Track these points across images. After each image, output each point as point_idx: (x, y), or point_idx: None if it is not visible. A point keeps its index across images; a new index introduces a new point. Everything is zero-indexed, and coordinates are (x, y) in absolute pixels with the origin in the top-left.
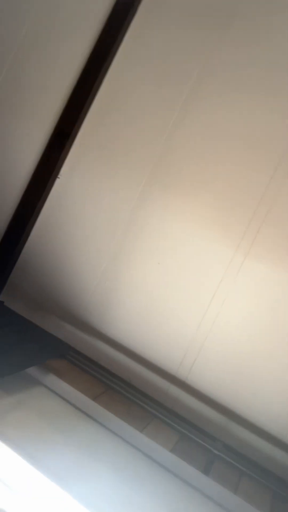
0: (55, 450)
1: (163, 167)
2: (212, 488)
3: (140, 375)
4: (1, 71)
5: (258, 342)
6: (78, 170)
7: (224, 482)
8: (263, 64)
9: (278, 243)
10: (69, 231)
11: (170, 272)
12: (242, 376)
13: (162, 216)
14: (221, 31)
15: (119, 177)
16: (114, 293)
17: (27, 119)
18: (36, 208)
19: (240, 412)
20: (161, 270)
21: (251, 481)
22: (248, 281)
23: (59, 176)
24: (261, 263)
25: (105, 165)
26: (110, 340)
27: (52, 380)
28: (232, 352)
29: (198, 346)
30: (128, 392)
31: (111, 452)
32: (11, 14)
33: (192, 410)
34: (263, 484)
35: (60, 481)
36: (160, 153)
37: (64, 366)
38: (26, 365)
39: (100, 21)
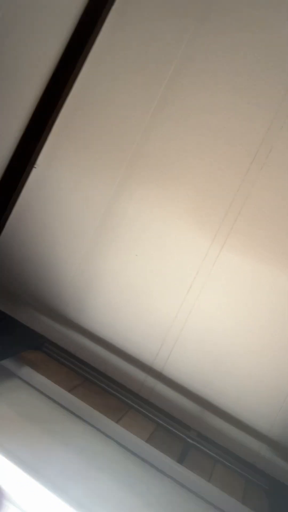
0: (29, 442)
1: (141, 159)
2: (187, 476)
3: (116, 366)
4: None
5: (233, 333)
6: (54, 160)
7: (199, 470)
8: (242, 55)
9: (251, 235)
10: (45, 221)
11: (147, 263)
12: (217, 366)
13: (140, 208)
14: (199, 20)
15: (97, 168)
16: (91, 285)
17: (1, 109)
18: (12, 198)
19: (214, 401)
20: (138, 262)
21: (225, 469)
22: (224, 272)
23: (35, 165)
24: (236, 254)
25: (82, 155)
26: (87, 331)
27: (27, 372)
28: (207, 342)
29: (175, 337)
30: (104, 384)
31: (86, 443)
32: None
33: (168, 401)
34: (237, 471)
35: (33, 472)
36: (137, 145)
37: (40, 358)
38: (0, 358)
39: (77, 11)
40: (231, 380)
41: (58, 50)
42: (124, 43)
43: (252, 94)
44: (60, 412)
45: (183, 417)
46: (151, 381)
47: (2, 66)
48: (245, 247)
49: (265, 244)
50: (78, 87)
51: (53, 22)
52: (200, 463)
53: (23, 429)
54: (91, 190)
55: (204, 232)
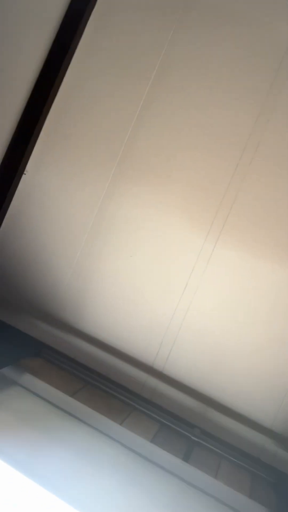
0: (36, 449)
1: (129, 159)
2: (193, 474)
3: (117, 368)
4: None
5: (231, 328)
6: (44, 166)
7: (204, 468)
8: (225, 51)
9: (245, 230)
10: (38, 227)
11: (142, 264)
12: (217, 363)
13: (132, 208)
14: (180, 19)
15: (87, 170)
16: (88, 288)
17: None
18: (3, 206)
19: (216, 398)
20: (133, 263)
21: (231, 465)
22: (219, 269)
23: (25, 172)
24: (230, 250)
25: (71, 159)
26: (86, 335)
27: (28, 379)
28: (206, 339)
29: (173, 336)
30: (106, 386)
31: (92, 447)
32: None
33: (170, 400)
34: (242, 466)
35: (43, 480)
36: (126, 145)
37: (40, 365)
38: (0, 366)
39: (59, 15)
40: (232, 375)
41: (42, 55)
42: (107, 44)
43: (238, 89)
44: (63, 417)
45: (186, 415)
46: (152, 381)
47: None
48: (239, 242)
49: (258, 238)
50: (64, 91)
51: (34, 28)
52: (206, 460)
53: (26, 436)
54: (82, 193)
55: (197, 229)
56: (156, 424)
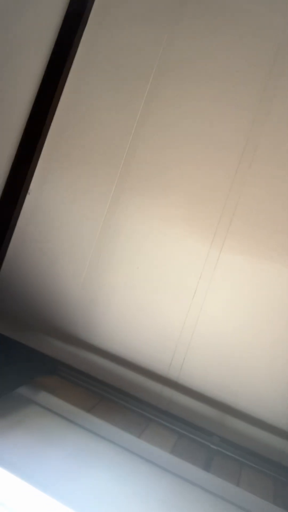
0: (56, 467)
1: (131, 172)
2: (214, 483)
3: (132, 381)
4: None
5: (243, 333)
6: (47, 184)
7: (226, 476)
8: (218, 59)
9: (248, 233)
10: (45, 245)
11: (150, 274)
12: (231, 368)
13: (136, 220)
14: (171, 30)
15: (89, 186)
16: (97, 302)
17: None
18: (10, 226)
19: (233, 404)
20: (141, 274)
21: (252, 471)
22: (226, 274)
23: (28, 192)
24: (236, 255)
25: (73, 175)
26: (98, 349)
27: (44, 397)
28: (218, 345)
29: (185, 344)
30: (122, 400)
31: (112, 462)
32: None
33: (186, 409)
34: (264, 472)
35: (66, 499)
36: (126, 159)
37: (55, 382)
38: (16, 385)
39: (54, 34)
40: (247, 380)
41: (39, 74)
42: (101, 60)
43: (231, 95)
44: (81, 434)
45: (204, 423)
46: (168, 392)
47: None
48: (244, 246)
49: (263, 241)
50: (62, 109)
51: (31, 47)
52: (227, 468)
53: (45, 454)
54: (86, 208)
55: (201, 237)
56: (174, 434)
